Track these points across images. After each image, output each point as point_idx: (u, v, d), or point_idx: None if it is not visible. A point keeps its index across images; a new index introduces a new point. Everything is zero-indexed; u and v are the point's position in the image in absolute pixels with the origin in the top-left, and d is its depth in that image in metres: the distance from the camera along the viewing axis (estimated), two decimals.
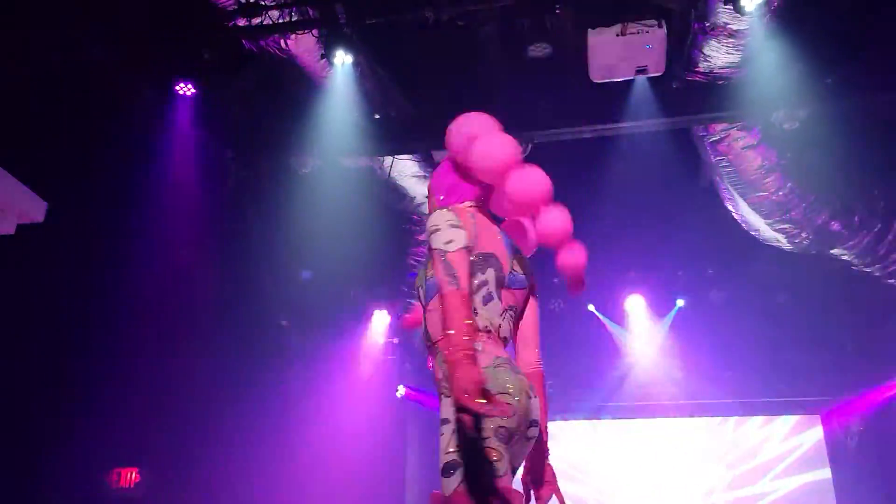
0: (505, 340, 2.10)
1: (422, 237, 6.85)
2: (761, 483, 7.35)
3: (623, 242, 6.97)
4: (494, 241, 2.15)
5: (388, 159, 6.10)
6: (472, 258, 2.05)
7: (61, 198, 4.83)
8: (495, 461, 1.86)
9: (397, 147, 5.96)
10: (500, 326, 2.09)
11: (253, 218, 6.54)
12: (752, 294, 7.28)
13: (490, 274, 2.09)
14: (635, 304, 7.58)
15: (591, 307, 7.73)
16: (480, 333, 2.03)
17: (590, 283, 7.20)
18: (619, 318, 7.72)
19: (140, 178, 6.03)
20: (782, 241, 6.32)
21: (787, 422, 7.55)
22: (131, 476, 6.82)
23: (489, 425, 1.87)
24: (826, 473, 7.24)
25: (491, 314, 2.07)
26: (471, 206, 2.24)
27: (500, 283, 2.10)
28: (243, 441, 6.95)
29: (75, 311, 5.61)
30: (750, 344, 7.34)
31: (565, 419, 7.85)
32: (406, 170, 6.29)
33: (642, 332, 7.65)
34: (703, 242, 7.20)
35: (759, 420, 7.61)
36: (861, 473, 7.13)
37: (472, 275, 2.04)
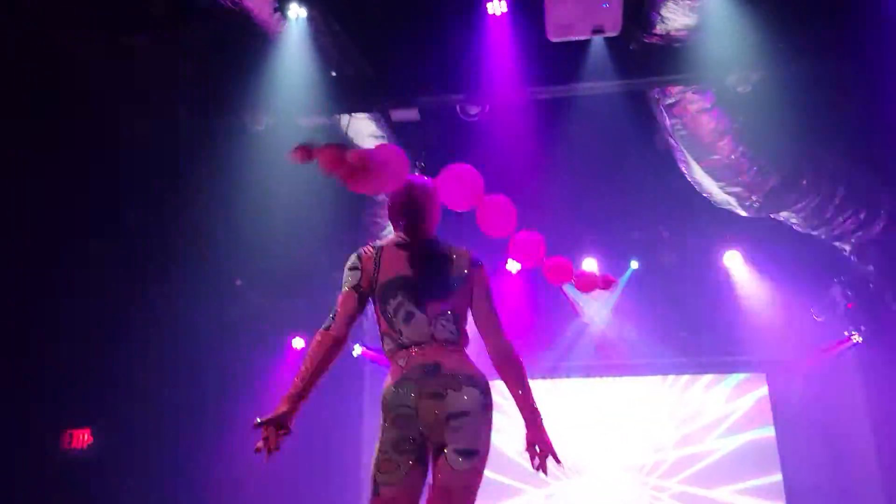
0: (446, 342, 2.42)
1: (379, 196, 6.81)
2: (708, 440, 7.59)
3: (579, 205, 7.03)
4: (405, 266, 2.47)
5: (344, 118, 6.02)
6: (378, 288, 2.45)
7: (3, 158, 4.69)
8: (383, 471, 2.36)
9: (354, 105, 5.89)
10: (432, 335, 2.40)
11: (206, 176, 6.42)
12: (703, 256, 7.42)
13: (402, 297, 2.42)
14: (590, 267, 7.66)
15: None
16: (407, 350, 2.40)
17: (546, 245, 7.26)
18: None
19: (87, 135, 5.87)
20: (734, 205, 6.45)
21: (734, 381, 7.78)
22: (84, 437, 6.75)
23: (378, 441, 2.39)
24: (770, 431, 7.49)
25: (415, 330, 2.40)
26: (392, 239, 2.59)
27: (420, 299, 2.42)
28: (199, 402, 6.92)
29: (22, 271, 5.48)
30: (701, 305, 7.51)
31: None
32: (363, 129, 6.22)
33: (597, 293, 7.75)
34: (657, 206, 7.29)
35: (707, 379, 7.82)
36: (803, 432, 7.40)
37: (385, 301, 2.43)
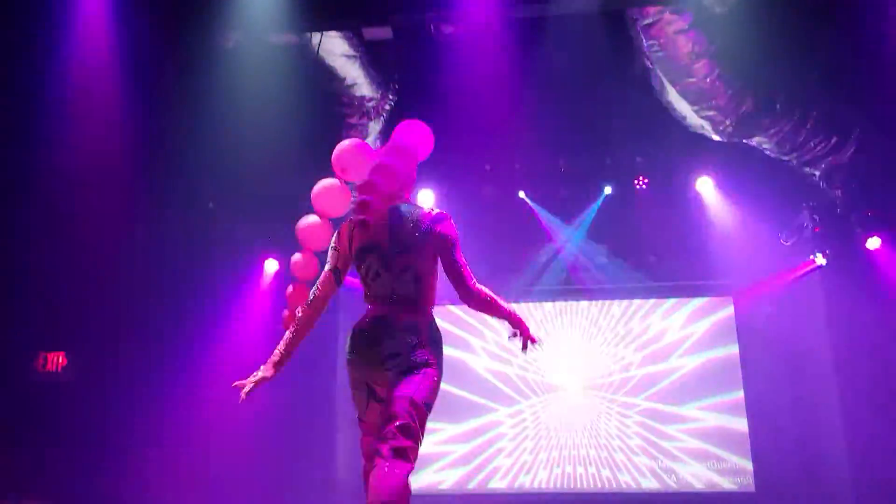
0: (406, 298, 2.76)
1: (353, 120, 6.72)
2: (673, 359, 7.81)
3: (552, 128, 6.99)
4: (374, 232, 2.80)
5: (315, 36, 5.87)
6: (354, 253, 2.84)
7: None
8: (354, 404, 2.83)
9: (325, 23, 5.74)
10: (394, 291, 2.76)
11: (176, 96, 6.27)
12: (676, 182, 7.47)
13: (372, 259, 2.79)
14: (565, 191, 7.70)
15: (521, 194, 7.82)
16: (372, 303, 2.81)
17: (521, 170, 7.21)
18: (548, 204, 7.85)
19: (51, 56, 5.70)
20: (707, 129, 6.47)
21: (700, 303, 7.97)
22: (58, 360, 6.77)
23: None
24: (734, 350, 7.73)
25: (379, 287, 2.78)
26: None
27: (386, 259, 2.77)
28: (173, 326, 6.94)
29: None
30: (672, 230, 7.61)
31: None
32: (335, 48, 6.10)
33: (570, 217, 7.83)
34: (631, 131, 7.29)
35: (674, 302, 7.99)
36: (766, 352, 7.64)
37: (359, 264, 2.83)
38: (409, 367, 2.64)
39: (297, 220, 5.06)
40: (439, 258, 2.82)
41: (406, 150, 2.94)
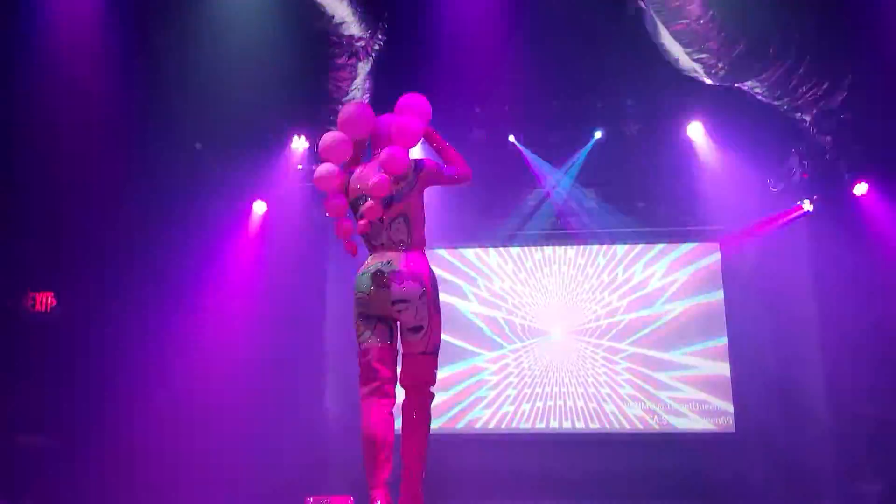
0: (400, 242, 3.26)
1: (340, 60, 6.60)
2: (658, 304, 7.91)
3: (543, 73, 6.92)
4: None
5: None
6: (350, 203, 3.31)
7: None
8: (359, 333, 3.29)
9: None
10: (389, 237, 3.25)
11: (161, 36, 6.15)
12: (666, 127, 7.44)
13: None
14: (555, 136, 7.66)
15: (511, 138, 7.77)
16: (373, 249, 3.31)
17: (512, 113, 7.14)
18: (538, 148, 7.81)
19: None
20: (700, 73, 6.41)
21: (688, 248, 8.02)
22: (47, 300, 6.77)
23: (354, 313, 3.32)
24: (719, 296, 7.82)
25: (376, 235, 3.27)
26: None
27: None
28: (162, 267, 6.94)
29: None
30: (661, 176, 7.62)
31: (483, 247, 8.12)
32: None
33: (560, 162, 7.81)
34: (622, 75, 7.22)
35: (662, 247, 8.04)
36: (751, 298, 7.75)
37: (356, 213, 3.28)
38: (418, 325, 3.23)
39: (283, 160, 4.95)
40: (433, 185, 3.40)
41: (415, 136, 3.22)
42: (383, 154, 3.11)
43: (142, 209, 6.71)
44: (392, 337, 3.28)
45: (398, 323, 3.26)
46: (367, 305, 3.23)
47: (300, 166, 7.32)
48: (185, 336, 6.83)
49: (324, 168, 3.30)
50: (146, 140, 6.67)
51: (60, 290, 6.64)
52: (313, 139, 7.08)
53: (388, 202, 3.17)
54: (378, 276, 3.19)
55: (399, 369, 3.29)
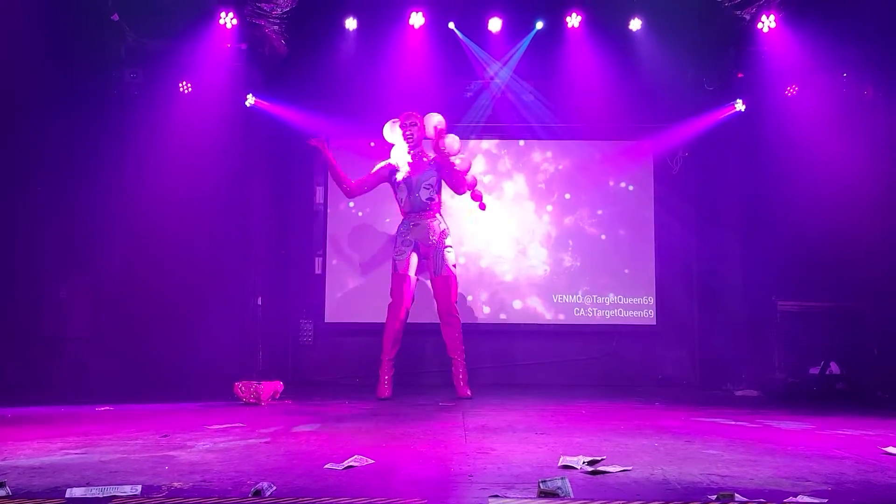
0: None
1: None
2: (593, 199, 8.02)
3: None
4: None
5: None
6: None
7: None
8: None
9: None
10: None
11: None
12: (608, 18, 7.30)
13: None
14: (495, 24, 7.44)
15: (451, 25, 7.52)
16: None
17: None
18: (477, 37, 7.59)
19: None
20: None
21: (622, 146, 8.08)
22: None
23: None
24: (650, 192, 7.97)
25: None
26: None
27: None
28: (79, 148, 6.64)
29: None
30: (599, 70, 7.53)
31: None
32: None
33: (499, 53, 7.63)
34: None
35: (598, 143, 8.08)
36: (679, 192, 7.93)
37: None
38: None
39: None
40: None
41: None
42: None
43: (55, 84, 6.32)
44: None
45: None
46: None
47: (244, 46, 6.92)
48: (105, 221, 6.66)
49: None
50: (58, 8, 6.20)
51: None
52: (241, 16, 6.68)
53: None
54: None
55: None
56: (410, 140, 6.14)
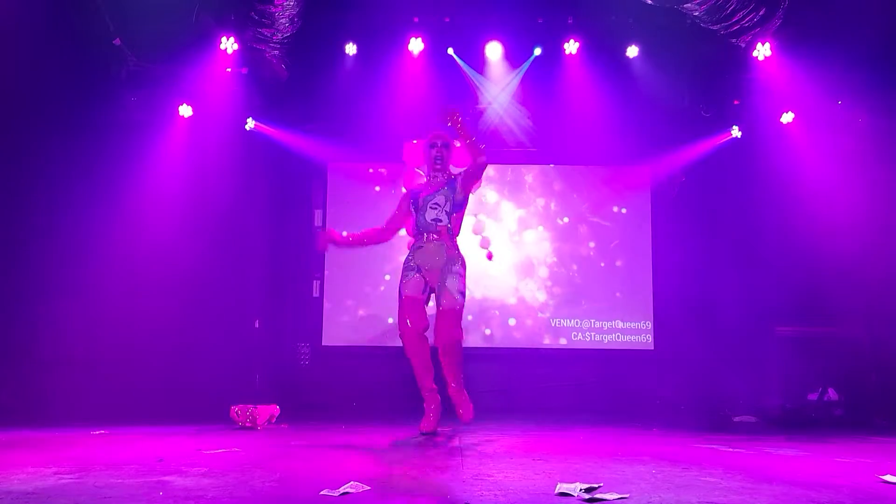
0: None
1: None
2: (591, 223, 8.04)
3: None
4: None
5: None
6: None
7: None
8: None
9: None
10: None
11: None
12: (605, 45, 7.37)
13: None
14: (493, 51, 7.51)
15: (450, 51, 7.59)
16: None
17: (450, 25, 6.95)
18: (476, 63, 7.67)
19: None
20: None
21: (619, 171, 8.13)
22: None
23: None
24: (647, 217, 8.00)
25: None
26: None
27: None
28: (80, 171, 6.66)
29: None
30: (598, 96, 7.59)
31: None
32: None
33: (498, 78, 7.70)
34: None
35: (593, 168, 8.12)
36: (676, 217, 7.96)
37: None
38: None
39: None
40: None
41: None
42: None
43: (56, 108, 6.35)
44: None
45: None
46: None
47: (244, 70, 6.98)
48: (104, 244, 6.66)
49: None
50: (61, 34, 6.25)
51: None
52: (242, 41, 6.74)
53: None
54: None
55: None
56: (439, 163, 5.33)
